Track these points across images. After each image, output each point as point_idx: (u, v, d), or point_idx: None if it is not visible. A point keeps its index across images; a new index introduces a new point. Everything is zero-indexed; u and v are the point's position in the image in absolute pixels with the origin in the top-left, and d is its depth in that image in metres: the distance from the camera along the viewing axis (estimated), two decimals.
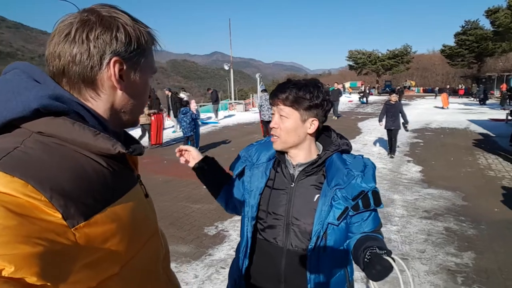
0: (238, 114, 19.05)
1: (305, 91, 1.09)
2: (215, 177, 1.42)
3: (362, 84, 41.57)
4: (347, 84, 43.39)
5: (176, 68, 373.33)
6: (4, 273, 0.40)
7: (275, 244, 1.16)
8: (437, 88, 34.00)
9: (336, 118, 15.25)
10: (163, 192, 5.57)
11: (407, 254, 3.44)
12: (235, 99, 26.23)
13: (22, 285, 0.41)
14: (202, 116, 14.91)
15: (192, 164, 1.40)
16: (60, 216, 0.49)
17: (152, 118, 9.59)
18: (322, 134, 1.24)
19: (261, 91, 12.21)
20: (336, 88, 15.56)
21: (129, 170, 0.71)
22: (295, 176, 1.17)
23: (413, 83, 50.61)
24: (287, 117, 1.11)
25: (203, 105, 22.86)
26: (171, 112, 12.65)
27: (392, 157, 7.83)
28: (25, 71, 0.62)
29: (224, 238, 3.86)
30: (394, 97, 7.91)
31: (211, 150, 9.49)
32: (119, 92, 0.67)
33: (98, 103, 0.66)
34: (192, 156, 1.41)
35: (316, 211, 1.09)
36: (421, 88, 47.44)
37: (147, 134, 9.76)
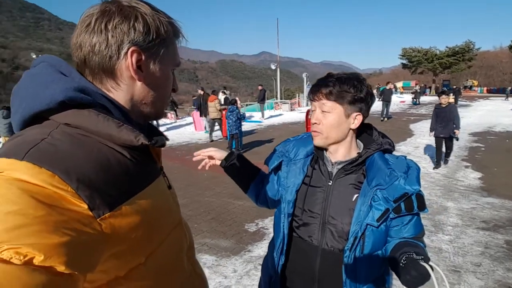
0: (284, 114, 18.99)
1: (349, 85, 1.05)
2: (244, 172, 1.42)
3: (416, 84, 39.14)
4: (399, 84, 41.05)
5: (224, 68, 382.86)
6: (35, 261, 0.41)
7: (310, 242, 1.14)
8: (509, 88, 30.44)
9: (385, 119, 14.44)
10: (207, 188, 5.76)
11: (459, 266, 3.18)
12: (281, 99, 26.18)
13: (52, 273, 0.42)
14: (246, 114, 15.08)
15: (217, 162, 1.41)
16: (86, 206, 0.50)
17: (223, 113, 10.31)
18: (363, 131, 1.19)
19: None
20: (388, 88, 14.72)
21: (153, 162, 0.71)
22: (333, 174, 1.13)
23: (476, 82, 46.46)
24: (330, 112, 1.07)
25: (250, 104, 23.15)
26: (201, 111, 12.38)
27: (436, 167, 6.75)
28: (52, 65, 0.63)
29: (263, 235, 3.88)
30: (444, 99, 6.66)
31: (255, 149, 9.58)
32: (138, 83, 0.66)
33: (119, 94, 0.66)
34: (216, 157, 1.41)
35: (355, 211, 1.05)
36: (485, 88, 43.38)
37: (215, 128, 11.00)
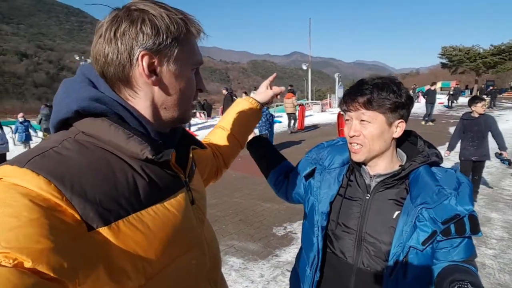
0: (315, 115, 18.71)
1: (388, 91, 0.95)
2: (265, 156, 1.42)
3: (456, 84, 37.02)
4: (438, 85, 39.08)
5: (255, 69, 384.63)
6: (24, 265, 0.41)
7: (344, 260, 1.05)
8: None
9: (429, 122, 13.65)
10: (236, 188, 5.76)
11: (506, 285, 2.92)
12: (312, 99, 25.83)
13: (40, 277, 0.42)
14: (275, 115, 15.04)
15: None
16: (79, 217, 0.50)
17: (298, 108, 12.31)
18: (405, 140, 1.08)
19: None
20: (433, 89, 13.85)
21: (170, 175, 0.67)
22: (372, 187, 1.03)
23: None
24: (371, 122, 0.97)
25: (280, 105, 23.05)
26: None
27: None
28: (84, 73, 0.65)
29: (292, 240, 3.80)
30: (481, 107, 4.66)
31: (284, 150, 9.49)
32: (155, 88, 0.64)
33: (138, 101, 0.64)
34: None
35: (396, 230, 0.95)
36: None
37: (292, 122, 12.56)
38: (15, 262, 0.40)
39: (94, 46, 0.62)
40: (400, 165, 1.03)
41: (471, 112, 4.80)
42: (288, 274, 3.09)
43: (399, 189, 1.01)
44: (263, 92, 1.19)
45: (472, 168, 4.80)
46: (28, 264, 0.41)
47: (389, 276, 0.95)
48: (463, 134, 4.84)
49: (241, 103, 1.18)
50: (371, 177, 1.05)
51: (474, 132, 4.69)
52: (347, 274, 1.04)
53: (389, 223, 0.98)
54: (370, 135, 0.98)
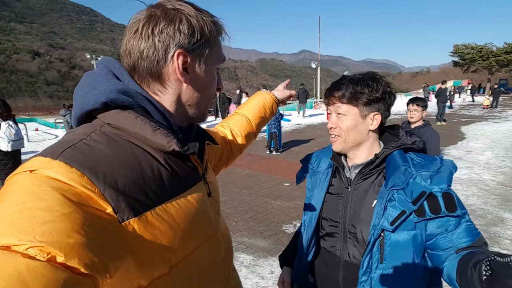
0: (324, 113, 18.62)
1: (362, 85, 1.01)
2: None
3: (468, 83, 36.38)
4: (450, 83, 38.48)
5: (264, 67, 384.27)
6: (57, 260, 0.41)
7: (333, 253, 1.09)
8: None
9: (442, 122, 13.45)
10: (245, 186, 5.79)
11: None
12: (320, 98, 25.70)
13: (72, 272, 0.42)
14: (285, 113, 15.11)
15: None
16: (111, 209, 0.51)
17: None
18: (386, 132, 1.12)
19: None
20: (444, 87, 13.68)
21: (190, 168, 0.69)
22: (352, 179, 1.08)
23: None
24: (345, 115, 1.04)
25: (289, 103, 23.00)
26: (219, 112, 12.25)
27: None
28: (107, 66, 0.66)
29: None
30: (414, 113, 3.43)
31: (293, 149, 9.49)
32: (184, 85, 0.67)
33: (165, 97, 0.66)
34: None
35: (372, 216, 0.97)
36: None
37: None
38: (49, 256, 0.41)
39: (128, 41, 0.64)
40: (375, 154, 1.06)
41: (408, 121, 3.60)
42: None
43: (378, 178, 1.04)
44: (281, 90, 1.28)
45: None
46: (60, 258, 0.41)
47: (365, 261, 0.96)
48: None
49: (262, 95, 1.24)
50: (349, 169, 1.10)
51: None
52: (336, 267, 1.08)
53: (369, 212, 1.00)
54: (345, 126, 1.04)
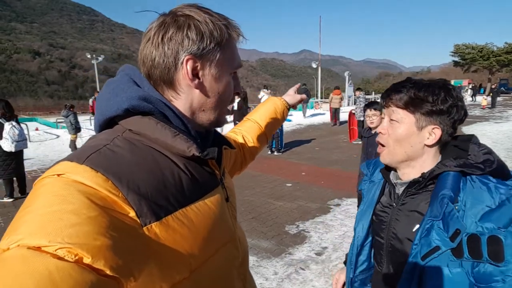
0: (325, 113, 18.62)
1: (426, 92, 0.87)
2: None
3: (469, 83, 36.33)
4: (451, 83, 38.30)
5: (264, 67, 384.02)
6: (84, 261, 0.42)
7: (379, 270, 1.04)
8: None
9: None
10: (247, 186, 5.80)
11: None
12: (321, 98, 25.70)
13: (98, 274, 0.43)
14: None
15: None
16: (134, 213, 0.52)
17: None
18: (452, 146, 0.95)
19: (357, 89, 12.01)
20: None
21: (209, 173, 0.70)
22: (399, 196, 0.97)
23: None
24: (399, 122, 0.92)
25: None
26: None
27: None
28: (128, 73, 0.68)
29: (304, 238, 3.82)
30: (373, 118, 3.26)
31: (295, 149, 9.49)
32: (196, 91, 0.67)
33: (179, 102, 0.67)
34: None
35: (412, 244, 0.87)
36: None
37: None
38: (76, 257, 0.42)
39: (142, 49, 0.66)
40: (422, 173, 0.92)
41: (368, 127, 3.38)
42: (302, 272, 3.12)
43: (425, 199, 0.91)
44: (292, 95, 1.28)
45: None
46: (87, 260, 0.42)
47: None
48: (366, 156, 3.38)
49: (273, 101, 1.25)
50: (395, 185, 1.00)
51: (369, 155, 3.29)
52: (380, 285, 1.03)
53: (409, 236, 0.91)
54: (396, 136, 0.93)
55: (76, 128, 9.90)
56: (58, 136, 11.88)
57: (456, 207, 0.80)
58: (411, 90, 0.90)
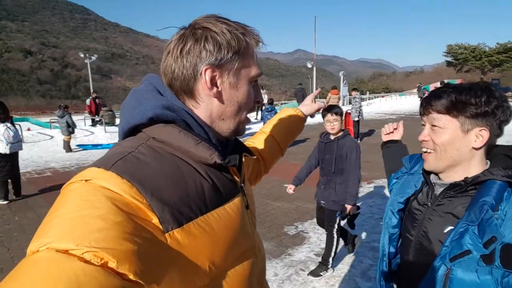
0: (319, 113, 18.67)
1: (468, 95, 0.87)
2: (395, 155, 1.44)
3: (461, 83, 36.69)
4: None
5: None
6: (109, 265, 0.44)
7: (405, 266, 1.05)
8: None
9: None
10: None
11: None
12: (316, 98, 25.77)
13: (121, 278, 0.44)
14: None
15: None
16: (157, 220, 0.53)
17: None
18: (501, 155, 0.94)
19: (353, 90, 11.77)
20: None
21: (230, 180, 0.70)
22: (436, 196, 0.98)
23: None
24: (442, 127, 0.90)
25: (284, 103, 23.06)
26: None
27: None
28: (152, 83, 0.71)
29: (304, 239, 3.83)
30: (333, 123, 2.93)
31: (290, 149, 9.50)
32: (215, 100, 0.68)
33: (200, 111, 0.69)
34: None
35: (442, 245, 0.87)
36: None
37: None
38: (102, 261, 0.43)
39: (163, 61, 0.68)
40: (465, 177, 0.91)
41: (327, 132, 3.10)
42: (302, 273, 3.13)
43: (462, 203, 0.90)
44: (308, 105, 1.25)
45: (325, 218, 3.06)
46: (112, 264, 0.43)
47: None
48: (322, 163, 3.11)
49: (288, 112, 1.23)
50: (434, 185, 1.00)
51: (325, 162, 3.03)
52: (405, 279, 1.03)
53: (439, 237, 0.92)
54: (440, 141, 0.92)
55: (71, 129, 9.81)
56: (52, 137, 11.73)
57: (496, 216, 0.79)
58: (452, 95, 0.89)
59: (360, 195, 5.38)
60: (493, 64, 42.34)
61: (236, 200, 0.70)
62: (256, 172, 1.13)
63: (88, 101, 14.70)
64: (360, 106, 10.15)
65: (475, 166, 0.93)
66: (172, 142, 0.63)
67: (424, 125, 0.98)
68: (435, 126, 0.93)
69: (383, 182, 6.05)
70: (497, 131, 0.90)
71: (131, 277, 0.45)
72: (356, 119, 10.20)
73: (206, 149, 0.63)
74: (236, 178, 0.73)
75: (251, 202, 0.80)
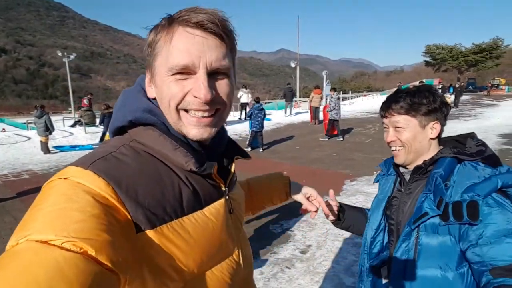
0: (303, 112, 18.85)
1: (420, 97, 1.05)
2: (355, 223, 1.37)
3: (439, 82, 37.86)
4: (417, 82, 39.85)
5: (242, 66, 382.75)
6: (89, 253, 0.45)
7: (389, 246, 1.16)
8: None
9: None
10: None
11: None
12: (300, 97, 25.99)
13: (100, 266, 0.45)
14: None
15: (331, 217, 1.29)
16: (130, 218, 0.54)
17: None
18: (453, 141, 1.14)
19: (330, 89, 11.77)
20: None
21: (211, 185, 0.68)
22: (407, 182, 1.13)
23: (503, 81, 44.28)
24: (404, 127, 1.07)
25: (268, 102, 23.13)
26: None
27: None
28: (140, 83, 0.71)
29: (289, 237, 3.86)
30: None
31: (275, 148, 9.56)
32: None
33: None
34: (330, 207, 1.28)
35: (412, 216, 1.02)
36: None
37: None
38: (81, 250, 0.44)
39: None
40: (424, 160, 1.08)
41: None
42: (287, 271, 3.15)
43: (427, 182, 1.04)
44: (299, 198, 1.11)
45: None
46: (91, 253, 0.45)
47: (400, 253, 1.02)
48: None
49: (279, 180, 1.14)
50: (403, 174, 1.15)
51: None
52: (389, 260, 1.12)
53: (411, 212, 1.05)
54: (405, 138, 1.08)
55: (48, 130, 9.50)
56: (29, 138, 11.33)
57: (447, 184, 0.97)
58: (407, 98, 1.06)
59: (343, 192, 5.48)
60: (469, 64, 43.89)
61: (217, 204, 0.68)
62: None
63: (86, 101, 15.01)
64: (336, 105, 10.34)
65: (432, 152, 1.09)
66: (152, 146, 0.63)
67: (387, 127, 1.13)
68: (398, 127, 1.09)
69: (366, 179, 6.18)
70: (444, 123, 1.08)
71: (109, 265, 0.46)
72: (332, 118, 10.39)
73: (183, 155, 0.62)
74: (220, 183, 0.71)
75: (236, 206, 0.78)
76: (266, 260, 3.35)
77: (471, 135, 1.12)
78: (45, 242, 0.43)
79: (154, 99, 0.67)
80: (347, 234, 3.89)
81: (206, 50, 0.59)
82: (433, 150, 1.09)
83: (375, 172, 6.58)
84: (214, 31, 0.60)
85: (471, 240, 0.89)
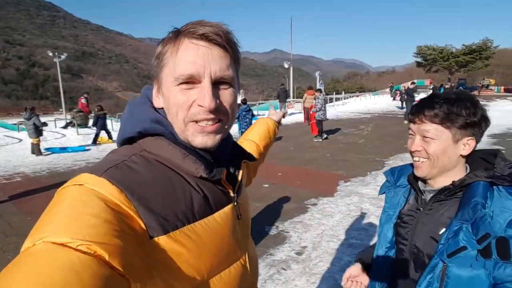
0: (297, 113, 18.91)
1: (459, 107, 0.92)
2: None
3: (430, 83, 38.37)
4: (409, 83, 40.33)
5: None
6: (102, 257, 0.46)
7: (400, 275, 1.08)
8: None
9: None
10: None
11: None
12: (293, 98, 26.08)
13: (112, 270, 0.46)
14: (259, 113, 15.33)
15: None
16: (143, 225, 0.56)
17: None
18: (479, 158, 1.01)
19: (316, 90, 11.46)
20: (412, 88, 14.96)
21: (221, 191, 0.70)
22: (426, 202, 1.03)
23: (493, 81, 44.98)
24: (434, 138, 0.94)
25: (262, 103, 23.15)
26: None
27: None
28: (146, 94, 0.73)
29: (284, 239, 3.89)
30: None
31: (269, 149, 9.57)
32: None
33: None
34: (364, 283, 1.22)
35: (438, 244, 0.93)
36: (502, 88, 42.13)
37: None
38: (95, 253, 0.45)
39: None
40: (453, 181, 0.97)
41: None
42: (284, 272, 3.18)
43: (453, 205, 0.96)
44: (275, 114, 1.42)
45: None
46: (105, 256, 0.46)
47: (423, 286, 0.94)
48: None
49: (264, 121, 1.36)
50: (423, 192, 1.05)
51: None
52: (401, 286, 1.07)
53: (435, 238, 0.96)
54: (433, 150, 0.96)
55: (39, 131, 9.38)
56: (20, 140, 11.19)
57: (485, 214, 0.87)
58: (444, 106, 0.93)
59: (337, 193, 5.52)
60: (460, 65, 44.41)
61: (227, 210, 0.70)
62: (247, 177, 1.14)
63: (84, 100, 15.00)
64: (322, 106, 10.47)
65: (460, 171, 0.99)
66: (162, 155, 0.65)
67: (412, 134, 1.01)
68: (427, 137, 0.96)
69: (360, 180, 6.24)
70: (480, 139, 0.96)
71: (121, 270, 0.47)
72: (320, 119, 10.56)
73: (193, 162, 0.64)
74: (228, 189, 0.73)
75: (243, 211, 0.80)
76: (262, 262, 3.37)
77: (497, 153, 1.00)
78: (61, 244, 0.45)
79: (161, 108, 0.69)
80: (342, 235, 3.94)
81: (210, 60, 0.62)
82: (460, 168, 0.99)
83: (368, 173, 6.65)
84: (218, 42, 0.63)
85: (510, 275, 0.82)
